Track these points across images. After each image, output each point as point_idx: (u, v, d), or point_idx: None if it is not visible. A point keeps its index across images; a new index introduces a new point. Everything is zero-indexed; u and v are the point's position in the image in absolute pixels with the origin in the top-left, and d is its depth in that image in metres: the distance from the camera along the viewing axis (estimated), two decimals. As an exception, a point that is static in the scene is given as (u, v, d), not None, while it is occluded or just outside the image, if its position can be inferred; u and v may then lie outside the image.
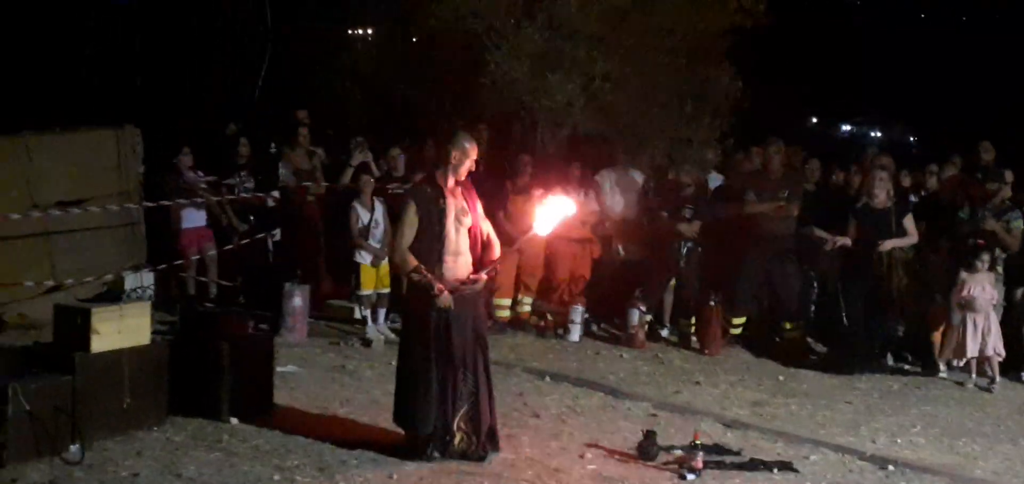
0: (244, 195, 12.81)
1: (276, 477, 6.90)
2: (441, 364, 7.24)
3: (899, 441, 8.75)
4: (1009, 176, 11.99)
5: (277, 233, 12.75)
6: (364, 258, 11.66)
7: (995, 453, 8.58)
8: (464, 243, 7.40)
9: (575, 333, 12.10)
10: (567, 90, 12.97)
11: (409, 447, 7.38)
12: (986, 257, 10.98)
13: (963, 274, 11.00)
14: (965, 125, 18.07)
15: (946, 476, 7.80)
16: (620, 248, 12.81)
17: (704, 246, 12.17)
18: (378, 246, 11.69)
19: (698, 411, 9.31)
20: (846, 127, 31.30)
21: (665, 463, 7.61)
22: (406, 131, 13.57)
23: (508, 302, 12.37)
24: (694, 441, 7.53)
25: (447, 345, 7.24)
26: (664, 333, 12.54)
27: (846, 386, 10.65)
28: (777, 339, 12.15)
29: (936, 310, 11.54)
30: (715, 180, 13.16)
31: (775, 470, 7.61)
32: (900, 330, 11.93)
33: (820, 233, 11.78)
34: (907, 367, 11.64)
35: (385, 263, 11.74)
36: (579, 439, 8.14)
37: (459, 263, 7.36)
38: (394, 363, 10.24)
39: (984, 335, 10.95)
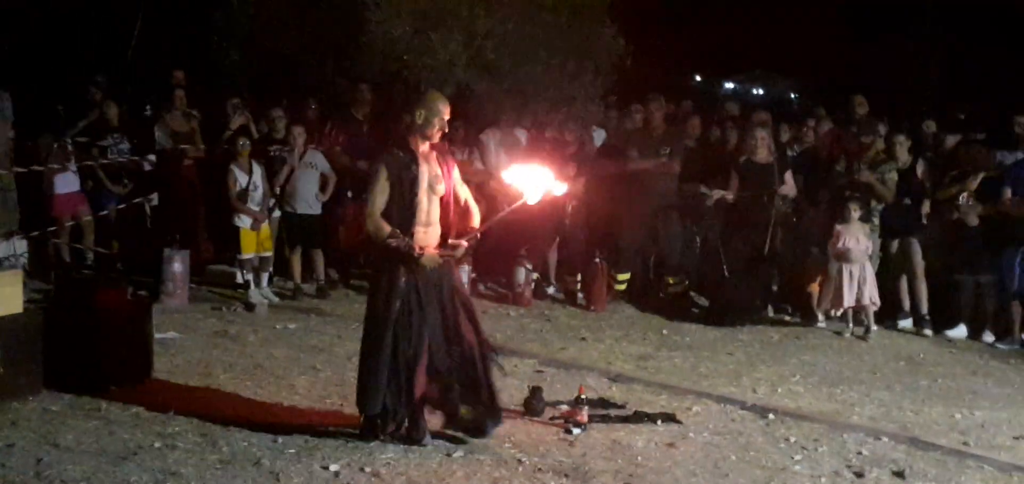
0: (119, 159, 12.48)
1: (157, 444, 6.75)
2: (403, 341, 6.80)
3: (779, 390, 8.94)
4: (883, 129, 12.28)
5: (155, 198, 12.45)
6: (244, 222, 11.51)
7: (871, 399, 8.80)
8: (435, 213, 6.96)
9: (461, 292, 12.08)
10: (449, 48, 12.87)
11: (363, 430, 6.97)
12: (857, 208, 11.26)
13: (838, 226, 11.27)
14: (842, 80, 18.46)
15: (824, 423, 7.96)
16: (505, 206, 12.77)
17: (588, 203, 12.25)
18: (257, 209, 11.55)
19: (584, 366, 9.38)
20: (729, 84, 31.67)
21: (551, 418, 7.64)
22: (286, 92, 13.32)
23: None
24: (579, 396, 7.57)
25: (416, 321, 6.81)
26: (550, 291, 12.60)
27: (728, 338, 10.84)
28: (661, 294, 12.32)
29: (814, 262, 11.81)
30: (599, 137, 13.23)
31: (659, 422, 7.69)
32: (776, 283, 12.20)
33: (702, 189, 11.94)
34: (787, 318, 11.91)
35: (266, 226, 11.63)
36: (466, 397, 8.12)
37: (429, 233, 6.92)
38: (278, 326, 10.34)
39: (860, 285, 11.23)
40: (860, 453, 7.29)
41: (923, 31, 20.92)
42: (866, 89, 13.62)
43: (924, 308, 11.58)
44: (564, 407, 7.78)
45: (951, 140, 12.34)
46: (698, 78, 29.99)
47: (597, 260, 12.00)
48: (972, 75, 19.94)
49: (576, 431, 7.35)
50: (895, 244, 11.70)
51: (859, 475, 6.82)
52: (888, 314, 11.63)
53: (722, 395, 8.59)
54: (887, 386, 9.29)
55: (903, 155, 11.75)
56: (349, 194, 12.32)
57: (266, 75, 13.76)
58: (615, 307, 12.07)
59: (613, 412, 7.89)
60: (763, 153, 11.67)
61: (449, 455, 6.75)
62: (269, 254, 11.77)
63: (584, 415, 7.46)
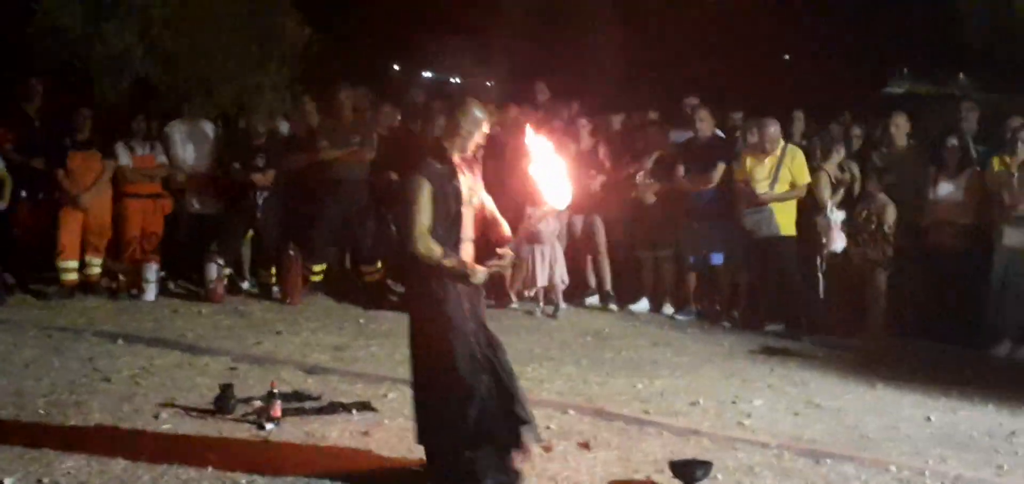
0: None
1: None
2: (482, 361, 6.20)
3: (473, 372, 9.09)
4: (566, 112, 12.70)
5: None
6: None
7: (560, 375, 9.12)
8: (471, 226, 6.34)
9: (150, 292, 11.66)
10: (124, 38, 12.36)
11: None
12: (547, 191, 11.60)
13: (528, 208, 11.55)
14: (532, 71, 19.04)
15: (515, 400, 8.15)
16: (194, 201, 12.42)
17: (280, 195, 12.07)
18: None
19: (279, 360, 9.24)
20: (427, 74, 32.02)
21: (244, 414, 7.48)
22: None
23: (75, 264, 11.69)
24: (271, 390, 7.44)
25: (485, 339, 6.26)
26: (245, 285, 12.37)
27: (424, 324, 10.92)
28: (358, 283, 12.28)
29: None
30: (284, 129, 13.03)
31: (354, 411, 7.68)
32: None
33: (394, 176, 11.99)
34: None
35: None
36: (153, 400, 7.83)
37: (467, 249, 6.29)
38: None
39: (551, 265, 11.60)
40: (549, 428, 7.49)
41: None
42: (554, 78, 14.07)
43: (608, 284, 12.08)
44: (257, 403, 7.63)
45: (616, 121, 12.94)
46: (396, 67, 30.12)
47: (291, 252, 11.84)
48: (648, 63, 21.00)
49: (269, 426, 7.22)
50: (580, 222, 12.14)
51: (547, 450, 7.00)
52: (576, 292, 12.07)
53: (417, 380, 8.64)
54: (575, 361, 9.64)
55: (586, 138, 12.21)
56: (23, 193, 11.65)
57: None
58: (312, 299, 11.97)
59: (307, 404, 7.80)
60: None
61: (134, 460, 6.47)
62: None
63: (277, 409, 7.34)
